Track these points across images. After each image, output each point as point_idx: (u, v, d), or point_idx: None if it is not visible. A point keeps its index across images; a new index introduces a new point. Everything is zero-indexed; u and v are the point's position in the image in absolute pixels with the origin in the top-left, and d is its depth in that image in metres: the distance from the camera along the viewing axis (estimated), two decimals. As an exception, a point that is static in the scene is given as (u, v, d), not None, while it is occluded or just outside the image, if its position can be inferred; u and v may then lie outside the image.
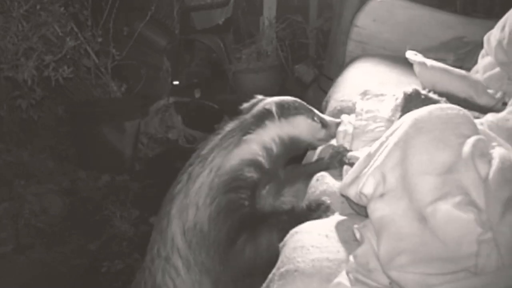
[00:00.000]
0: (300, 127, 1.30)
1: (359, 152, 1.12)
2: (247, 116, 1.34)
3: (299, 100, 1.36)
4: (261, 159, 1.27)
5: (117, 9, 3.09)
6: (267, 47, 3.80)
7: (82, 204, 2.67)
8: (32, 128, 3.01)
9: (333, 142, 1.36)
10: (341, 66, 2.71)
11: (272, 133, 1.29)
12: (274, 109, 1.30)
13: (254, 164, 1.26)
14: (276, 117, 1.29)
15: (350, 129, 1.26)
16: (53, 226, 2.47)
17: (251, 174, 1.25)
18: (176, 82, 3.53)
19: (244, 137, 1.28)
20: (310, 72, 3.74)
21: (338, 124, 1.33)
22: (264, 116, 1.30)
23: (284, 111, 1.30)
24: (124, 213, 2.51)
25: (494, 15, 2.33)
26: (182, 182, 1.35)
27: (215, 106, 3.56)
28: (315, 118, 1.31)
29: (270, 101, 1.35)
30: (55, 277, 2.15)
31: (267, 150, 1.28)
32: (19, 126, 2.96)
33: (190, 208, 1.25)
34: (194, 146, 3.31)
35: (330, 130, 1.32)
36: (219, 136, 1.33)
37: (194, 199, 1.26)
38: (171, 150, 3.27)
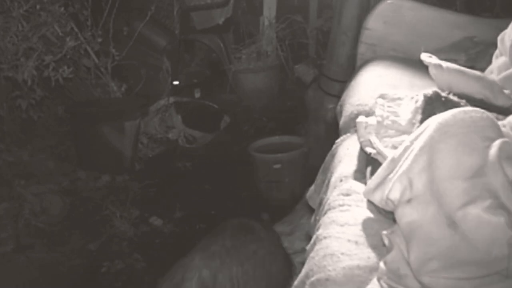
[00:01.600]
0: None
1: (385, 149, 1.11)
2: None
3: None
4: None
5: (117, 9, 3.09)
6: (267, 47, 3.80)
7: (82, 204, 2.67)
8: (32, 128, 3.01)
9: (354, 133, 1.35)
10: (341, 66, 2.71)
11: None
12: None
13: None
14: None
15: (372, 120, 1.25)
16: (53, 226, 2.47)
17: None
18: (176, 82, 3.53)
19: None
20: (310, 72, 3.73)
21: None
22: None
23: None
24: (124, 213, 2.51)
25: (495, 15, 2.34)
26: None
27: (215, 106, 3.56)
28: None
29: None
30: (55, 277, 2.15)
31: None
32: (19, 126, 2.96)
33: None
34: (194, 146, 3.32)
35: None
36: None
37: None
38: (171, 150, 3.27)
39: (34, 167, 2.79)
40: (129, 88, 3.27)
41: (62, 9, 2.73)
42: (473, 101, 1.27)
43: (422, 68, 1.52)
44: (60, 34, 2.74)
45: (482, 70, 1.56)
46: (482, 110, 0.91)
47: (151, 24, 3.28)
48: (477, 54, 1.90)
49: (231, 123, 3.47)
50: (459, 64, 1.51)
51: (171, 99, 3.43)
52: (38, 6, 2.62)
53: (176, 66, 3.54)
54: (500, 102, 1.35)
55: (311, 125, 2.97)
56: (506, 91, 1.37)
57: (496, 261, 0.73)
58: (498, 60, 1.49)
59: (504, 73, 1.41)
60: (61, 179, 2.80)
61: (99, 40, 2.98)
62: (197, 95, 3.65)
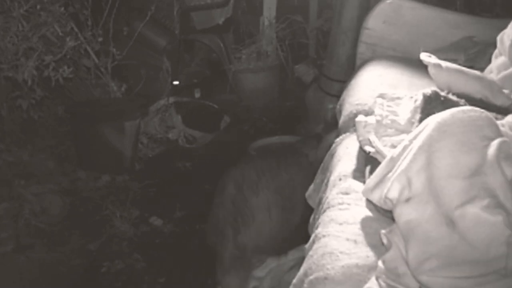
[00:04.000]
0: None
1: (384, 148, 1.11)
2: None
3: None
4: None
5: (117, 9, 3.09)
6: (267, 47, 3.80)
7: (82, 204, 2.67)
8: (32, 128, 3.01)
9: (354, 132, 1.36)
10: (341, 66, 2.72)
11: None
12: None
13: None
14: None
15: (371, 120, 1.25)
16: (53, 226, 2.47)
17: None
18: (176, 82, 3.53)
19: None
20: (310, 72, 3.73)
21: None
22: None
23: None
24: (124, 213, 2.51)
25: (495, 15, 2.34)
26: None
27: (215, 106, 3.56)
28: None
29: None
30: (55, 277, 2.15)
31: None
32: (19, 126, 2.96)
33: None
34: (194, 146, 3.32)
35: None
36: None
37: None
38: (171, 150, 3.27)
39: (34, 167, 2.79)
40: (129, 88, 3.27)
41: (62, 9, 2.72)
42: (472, 101, 1.27)
43: (421, 67, 1.52)
44: (60, 34, 2.74)
45: (482, 70, 1.56)
46: (481, 110, 0.91)
47: (151, 24, 3.28)
48: (476, 54, 1.90)
49: (231, 123, 3.47)
50: (459, 64, 1.51)
51: (171, 99, 3.43)
52: (38, 6, 2.62)
53: (176, 66, 3.54)
54: (499, 101, 1.35)
55: (311, 125, 2.97)
56: (506, 91, 1.37)
57: (494, 260, 0.73)
58: (497, 60, 1.49)
59: (503, 73, 1.41)
60: (61, 179, 2.80)
61: (99, 40, 2.98)
62: (197, 95, 3.66)
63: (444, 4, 2.32)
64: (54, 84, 2.72)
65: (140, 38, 3.22)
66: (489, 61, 1.58)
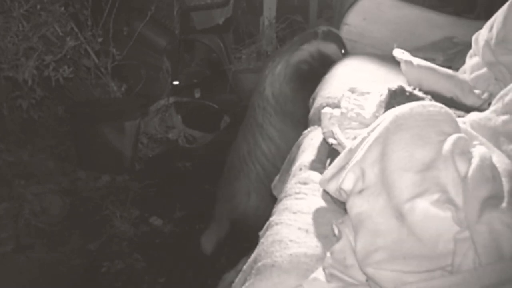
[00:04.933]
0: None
1: (346, 140, 1.11)
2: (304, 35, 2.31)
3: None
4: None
5: (117, 9, 3.09)
6: (267, 47, 3.80)
7: (82, 204, 2.67)
8: (32, 128, 3.01)
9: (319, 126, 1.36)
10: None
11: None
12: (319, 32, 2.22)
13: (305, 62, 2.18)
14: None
15: (337, 112, 1.25)
16: (53, 226, 2.47)
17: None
18: (176, 82, 3.53)
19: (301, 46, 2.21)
20: (310, 72, 3.73)
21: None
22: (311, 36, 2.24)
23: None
24: (124, 213, 2.51)
25: (476, 17, 2.33)
26: (269, 66, 2.27)
27: (215, 106, 3.56)
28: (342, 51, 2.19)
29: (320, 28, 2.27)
30: (55, 277, 2.15)
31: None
32: (19, 126, 2.96)
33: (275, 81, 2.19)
34: (194, 146, 3.32)
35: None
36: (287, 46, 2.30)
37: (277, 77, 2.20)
38: (171, 150, 3.27)
39: (34, 167, 2.79)
40: (129, 88, 3.27)
41: (62, 9, 2.73)
42: (442, 99, 1.27)
43: (399, 65, 1.52)
44: (60, 34, 2.74)
45: (459, 70, 1.56)
46: (441, 105, 0.90)
47: (151, 24, 3.28)
48: (455, 54, 1.90)
49: (231, 123, 3.47)
50: (437, 63, 1.52)
51: (171, 99, 3.43)
52: (38, 6, 2.62)
53: (176, 66, 3.54)
54: (470, 101, 1.35)
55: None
56: (477, 91, 1.37)
57: (441, 256, 0.72)
58: (471, 60, 1.49)
59: (476, 73, 1.41)
60: (61, 179, 2.80)
61: (99, 40, 2.98)
62: (197, 95, 3.66)
63: (443, 4, 2.31)
64: (54, 84, 2.72)
65: (140, 38, 3.22)
66: (467, 62, 1.58)
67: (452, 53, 1.92)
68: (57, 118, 3.19)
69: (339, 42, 2.24)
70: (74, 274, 2.18)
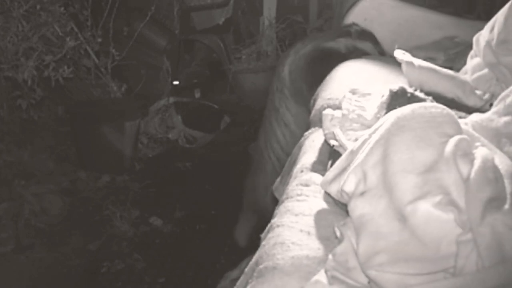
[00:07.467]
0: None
1: (347, 142, 1.11)
2: None
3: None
4: None
5: (117, 9, 3.09)
6: (267, 47, 3.80)
7: (82, 204, 2.67)
8: (32, 128, 3.01)
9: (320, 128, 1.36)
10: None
11: None
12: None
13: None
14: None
15: (338, 113, 1.25)
16: (53, 226, 2.47)
17: None
18: (176, 82, 3.53)
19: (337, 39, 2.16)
20: (310, 72, 3.73)
21: None
22: None
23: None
24: (124, 213, 2.51)
25: (477, 17, 2.33)
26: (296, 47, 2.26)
27: (215, 106, 3.56)
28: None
29: None
30: (55, 277, 2.15)
31: None
32: (19, 126, 2.96)
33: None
34: (194, 146, 3.32)
35: None
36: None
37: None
38: (171, 150, 3.27)
39: (34, 167, 2.79)
40: (129, 88, 3.27)
41: (62, 9, 2.73)
42: (443, 100, 1.27)
43: (400, 65, 1.52)
44: (60, 34, 2.74)
45: (460, 70, 1.56)
46: (443, 107, 0.90)
47: (151, 24, 3.27)
48: (456, 55, 1.89)
49: (231, 123, 3.47)
50: (438, 64, 1.51)
51: (171, 99, 3.43)
52: (38, 6, 2.62)
53: (176, 66, 3.54)
54: (471, 102, 1.35)
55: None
56: (478, 92, 1.37)
57: (444, 258, 0.72)
58: (472, 61, 1.48)
59: (477, 74, 1.41)
60: (61, 179, 2.80)
61: (99, 40, 2.98)
62: (197, 95, 3.65)
63: (443, 4, 2.31)
64: (54, 84, 2.72)
65: (140, 38, 3.21)
66: (468, 62, 1.58)
67: (453, 53, 1.92)
68: (57, 118, 3.19)
69: (374, 41, 2.22)
70: (74, 274, 2.18)
